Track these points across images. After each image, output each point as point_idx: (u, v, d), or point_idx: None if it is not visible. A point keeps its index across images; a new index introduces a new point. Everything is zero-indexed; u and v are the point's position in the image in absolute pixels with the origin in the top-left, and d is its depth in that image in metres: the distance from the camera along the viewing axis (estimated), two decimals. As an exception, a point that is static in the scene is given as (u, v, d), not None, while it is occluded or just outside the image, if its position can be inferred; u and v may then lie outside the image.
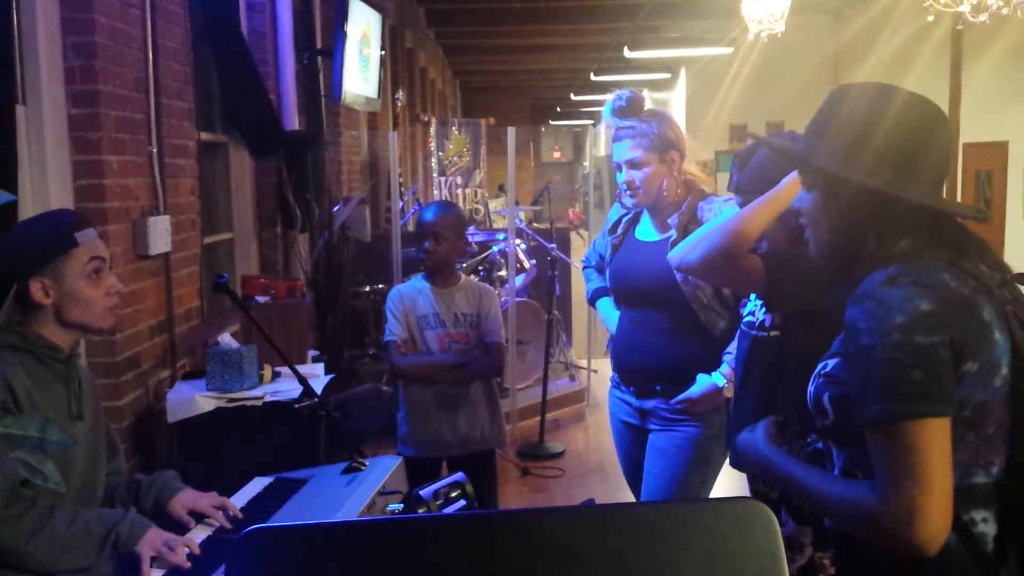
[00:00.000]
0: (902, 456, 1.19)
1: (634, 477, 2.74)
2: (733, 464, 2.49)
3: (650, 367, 2.57)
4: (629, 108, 2.51)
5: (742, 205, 2.15)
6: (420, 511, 1.44)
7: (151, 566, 1.70)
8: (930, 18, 6.20)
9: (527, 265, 6.21)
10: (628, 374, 2.65)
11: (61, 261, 1.76)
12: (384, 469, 2.11)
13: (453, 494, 1.46)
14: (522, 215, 8.34)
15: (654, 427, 2.60)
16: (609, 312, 2.77)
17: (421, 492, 1.46)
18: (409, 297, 3.01)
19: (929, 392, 1.20)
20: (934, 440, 1.19)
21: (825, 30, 12.50)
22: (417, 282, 3.06)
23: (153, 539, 1.73)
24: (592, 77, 15.63)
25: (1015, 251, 8.90)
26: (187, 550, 1.73)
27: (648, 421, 2.61)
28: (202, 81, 3.95)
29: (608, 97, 2.54)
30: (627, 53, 11.52)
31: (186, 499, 1.94)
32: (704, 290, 2.45)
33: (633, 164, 2.49)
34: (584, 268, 2.95)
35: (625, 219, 2.68)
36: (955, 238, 1.35)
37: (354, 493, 1.96)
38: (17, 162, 2.46)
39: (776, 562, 0.86)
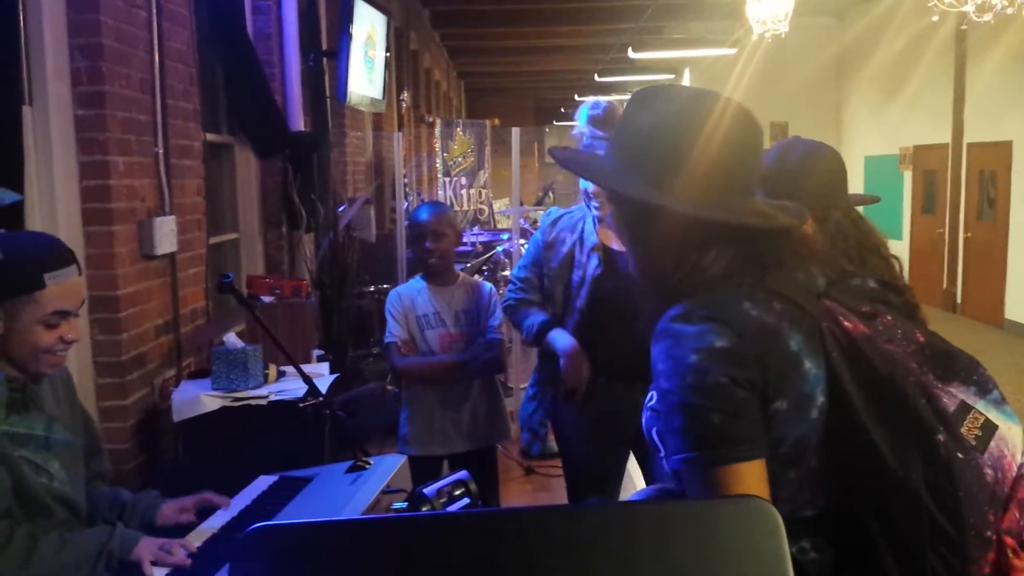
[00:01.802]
0: None
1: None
2: None
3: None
4: (605, 119, 2.43)
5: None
6: (424, 509, 1.44)
7: (152, 568, 1.68)
8: (934, 18, 6.19)
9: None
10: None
11: (21, 300, 1.62)
12: (388, 468, 2.12)
13: (457, 492, 1.46)
14: (527, 216, 8.35)
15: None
16: (566, 340, 2.54)
17: (425, 490, 1.47)
18: (408, 298, 3.01)
19: (731, 437, 1.10)
20: (744, 485, 1.09)
21: (829, 31, 12.48)
22: (416, 283, 3.05)
23: (148, 546, 1.70)
24: (596, 78, 15.63)
25: (1019, 250, 8.88)
26: (184, 551, 1.70)
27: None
28: (208, 82, 3.96)
29: (590, 99, 2.48)
30: (631, 54, 11.53)
31: (172, 504, 1.92)
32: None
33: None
34: (511, 306, 2.71)
35: (581, 226, 2.54)
36: (766, 248, 1.21)
37: (358, 492, 1.97)
38: (24, 163, 2.47)
39: (780, 561, 0.85)
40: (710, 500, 1.08)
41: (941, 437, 1.11)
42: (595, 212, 2.52)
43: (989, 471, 1.13)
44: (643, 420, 1.29)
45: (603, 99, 2.47)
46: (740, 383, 1.10)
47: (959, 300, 10.21)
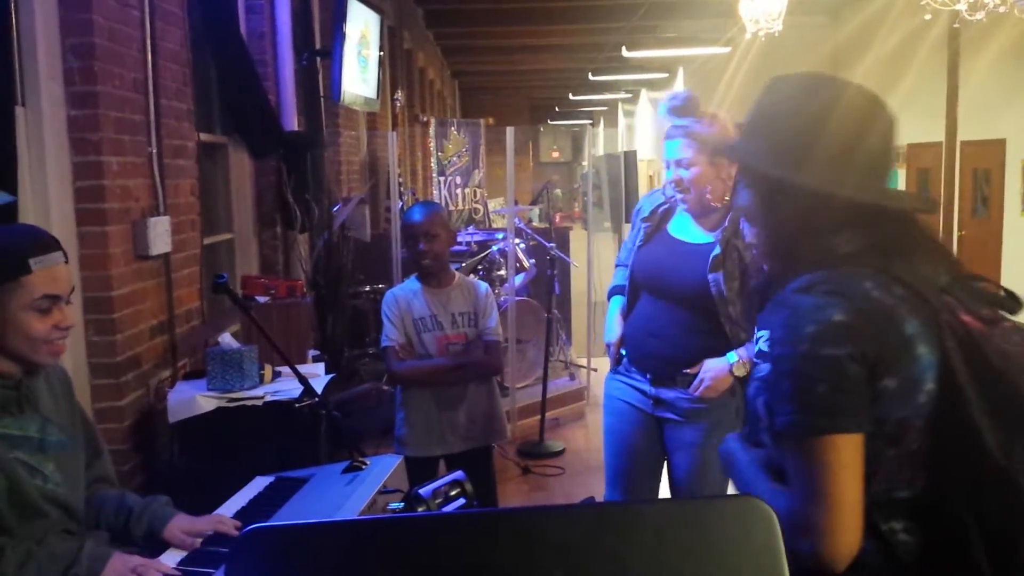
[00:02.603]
0: (808, 472, 1.15)
1: (629, 461, 2.70)
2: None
3: (670, 354, 2.55)
4: (684, 107, 2.49)
5: None
6: (420, 510, 1.44)
7: None
8: (927, 16, 6.21)
9: (527, 264, 6.21)
10: (646, 359, 2.62)
11: (8, 287, 1.61)
12: (385, 468, 2.12)
13: (453, 492, 1.46)
14: (522, 215, 8.34)
15: (671, 418, 2.58)
16: (614, 315, 2.76)
17: (420, 491, 1.47)
18: (404, 300, 2.99)
19: (834, 408, 1.14)
20: (841, 457, 1.14)
21: (822, 29, 12.51)
22: (411, 284, 3.03)
23: (117, 566, 1.62)
24: (590, 77, 15.63)
25: (1013, 248, 8.91)
26: (158, 573, 1.64)
27: (662, 410, 2.60)
28: (201, 82, 3.96)
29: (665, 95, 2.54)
30: (625, 53, 11.53)
31: (183, 524, 1.84)
32: (736, 306, 2.45)
33: (681, 164, 2.48)
34: (617, 265, 2.89)
35: (661, 209, 2.66)
36: (895, 237, 1.27)
37: (355, 492, 1.97)
38: (17, 163, 2.47)
39: (776, 559, 0.86)
40: (706, 499, 1.09)
41: None
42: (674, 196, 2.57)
43: None
44: (749, 390, 1.34)
45: (681, 91, 2.54)
46: (853, 358, 1.15)
47: (953, 297, 10.24)
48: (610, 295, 2.83)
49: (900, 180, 11.25)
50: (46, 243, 1.69)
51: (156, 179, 3.23)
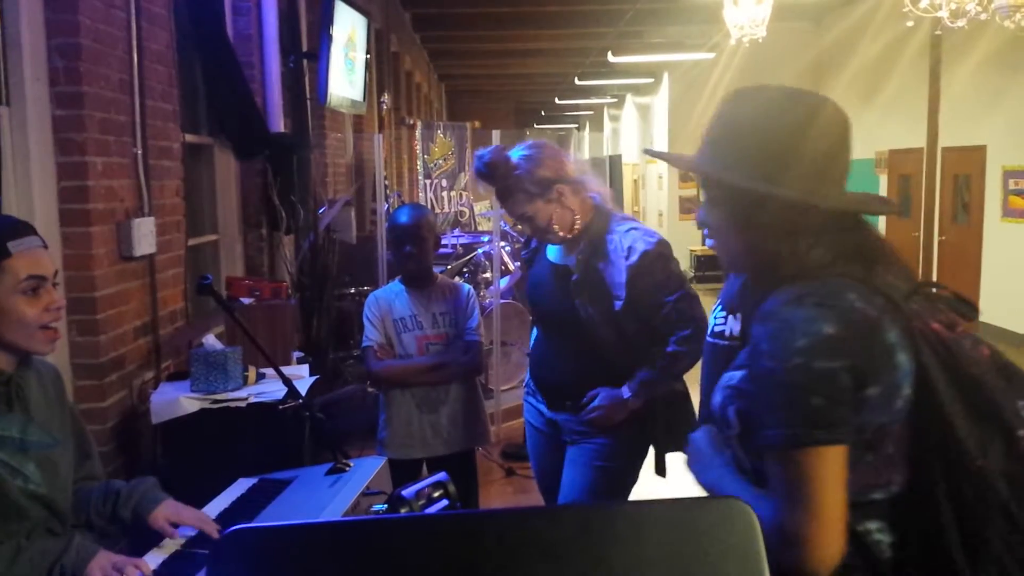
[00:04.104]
0: (796, 482, 1.17)
1: (545, 483, 2.75)
2: (658, 471, 2.56)
3: (559, 383, 2.57)
4: (489, 172, 2.45)
5: None
6: (403, 511, 1.44)
7: None
8: (910, 23, 6.27)
9: (511, 267, 6.22)
10: (541, 387, 2.66)
11: None
12: (368, 470, 2.12)
13: (436, 494, 1.46)
14: (507, 217, 8.33)
15: (568, 439, 2.60)
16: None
17: (403, 492, 1.47)
18: (385, 301, 2.99)
19: (827, 420, 1.16)
20: (829, 468, 1.16)
21: (806, 35, 12.60)
22: (394, 286, 3.04)
23: (102, 563, 1.63)
24: (576, 81, 15.69)
25: (993, 253, 9.00)
26: (139, 572, 1.64)
27: (561, 434, 2.62)
28: (187, 83, 3.95)
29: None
30: (611, 58, 11.58)
31: (168, 511, 1.85)
32: (612, 327, 2.42)
33: (522, 218, 2.47)
34: None
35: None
36: (867, 248, 1.30)
37: (338, 494, 1.97)
38: (1, 163, 2.46)
39: (757, 561, 0.86)
40: (688, 500, 1.10)
41: (1022, 433, 1.21)
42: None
43: None
44: (717, 398, 1.35)
45: (484, 152, 2.48)
46: (843, 370, 1.17)
47: (934, 303, 10.32)
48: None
49: (881, 185, 11.34)
50: (21, 228, 1.69)
51: (141, 180, 3.22)
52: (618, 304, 2.39)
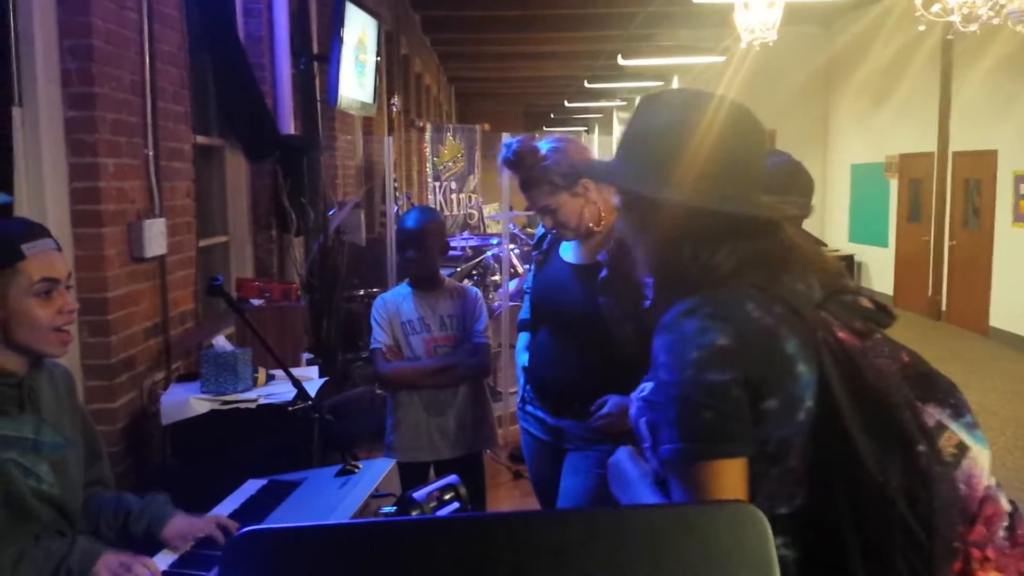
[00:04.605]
0: (694, 496, 1.16)
1: (544, 493, 2.69)
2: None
3: (569, 383, 2.49)
4: (518, 160, 2.42)
5: None
6: (413, 513, 1.44)
7: None
8: (921, 28, 6.25)
9: (520, 269, 6.22)
10: (545, 389, 2.57)
11: (5, 275, 1.62)
12: (377, 472, 2.12)
13: (446, 496, 1.46)
14: (516, 220, 8.35)
15: (570, 446, 2.52)
16: (520, 350, 2.71)
17: (414, 494, 1.47)
18: (393, 304, 3.00)
19: (720, 434, 1.15)
20: (725, 481, 1.15)
21: (817, 40, 12.57)
22: (401, 288, 3.05)
23: (109, 562, 1.63)
24: (586, 84, 15.68)
25: (1003, 258, 8.95)
26: (147, 572, 1.64)
27: (563, 441, 2.54)
28: (198, 85, 3.96)
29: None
30: (621, 61, 11.58)
31: (180, 525, 1.85)
32: (625, 327, 2.36)
33: (545, 210, 2.43)
34: (524, 292, 2.82)
35: (550, 236, 2.63)
36: (775, 255, 1.26)
37: (348, 496, 1.97)
38: (13, 164, 2.47)
39: (768, 566, 0.86)
40: (699, 504, 1.09)
41: (922, 448, 1.17)
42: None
43: (962, 486, 1.19)
44: (632, 410, 1.32)
45: (512, 140, 2.47)
46: (737, 383, 1.15)
47: (944, 308, 10.28)
48: (519, 328, 2.77)
49: (892, 190, 11.30)
50: (36, 231, 1.71)
51: (152, 181, 3.23)
52: (647, 303, 2.35)
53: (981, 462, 1.22)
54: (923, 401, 1.22)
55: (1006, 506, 1.23)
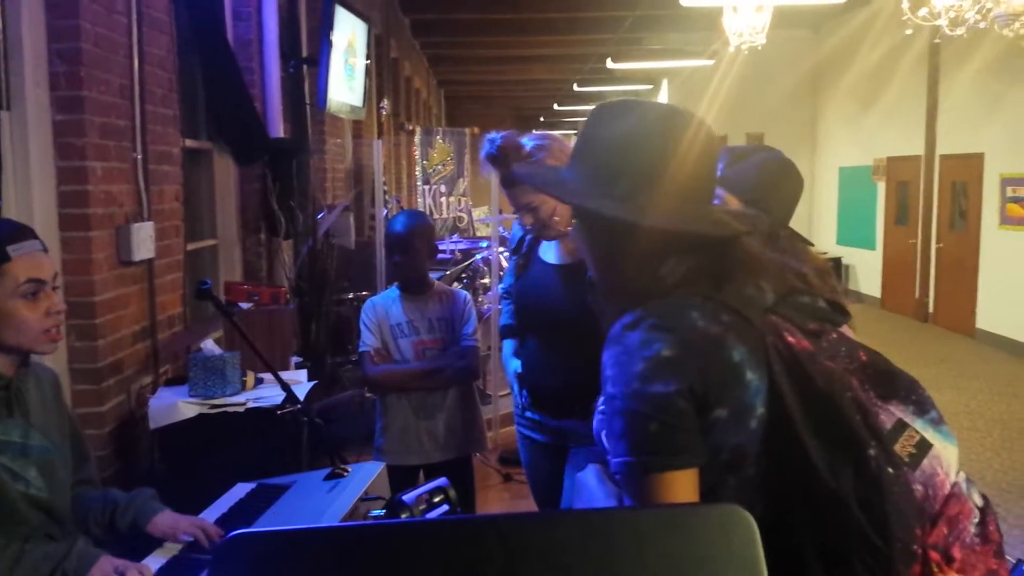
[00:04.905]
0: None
1: (544, 495, 2.67)
2: None
3: (567, 388, 2.42)
4: (501, 156, 2.38)
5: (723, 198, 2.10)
6: (403, 516, 1.44)
7: None
8: (908, 31, 6.29)
9: (510, 273, 6.21)
10: (543, 398, 2.53)
11: None
12: (366, 475, 2.12)
13: (436, 499, 1.46)
14: (505, 223, 8.33)
15: (573, 445, 2.49)
16: (509, 356, 2.67)
17: (404, 497, 1.47)
18: (382, 307, 3.01)
19: (668, 445, 1.14)
20: (676, 492, 1.14)
21: (805, 43, 12.63)
22: (391, 292, 3.06)
23: (104, 567, 1.64)
24: (575, 88, 15.72)
25: (990, 260, 9.01)
26: None
27: (567, 440, 2.51)
28: (187, 88, 3.95)
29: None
30: (610, 64, 11.61)
31: (166, 521, 1.86)
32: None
33: (527, 208, 2.39)
34: (502, 298, 2.79)
35: (528, 238, 2.59)
36: (719, 259, 1.24)
37: (337, 499, 1.97)
38: (1, 167, 2.46)
39: (755, 566, 0.87)
40: (688, 505, 1.10)
41: (872, 452, 1.15)
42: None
43: (919, 487, 1.17)
44: (594, 423, 1.32)
45: (496, 135, 2.42)
46: (682, 394, 1.14)
47: (931, 310, 10.34)
48: (503, 334, 2.73)
49: (879, 193, 11.37)
50: (21, 232, 1.71)
51: (140, 184, 3.22)
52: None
53: (946, 459, 1.20)
54: (884, 399, 1.20)
55: (977, 501, 1.22)
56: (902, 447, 1.18)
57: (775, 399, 1.17)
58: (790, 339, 1.20)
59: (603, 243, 1.29)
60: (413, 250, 2.93)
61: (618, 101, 1.31)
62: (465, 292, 3.15)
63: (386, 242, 3.04)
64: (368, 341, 2.97)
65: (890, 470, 1.15)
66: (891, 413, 1.20)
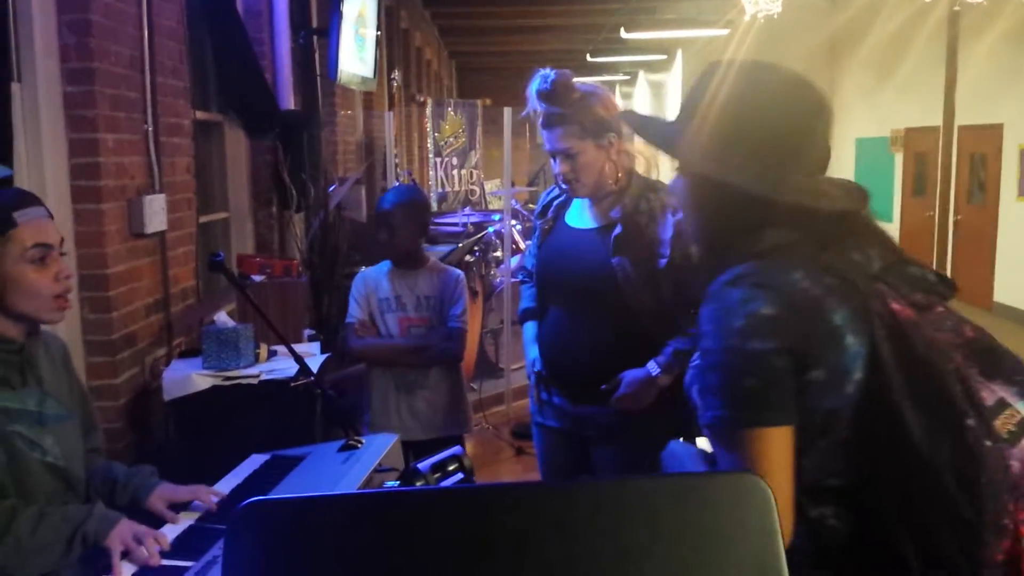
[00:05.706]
0: (735, 464, 1.15)
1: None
2: None
3: (586, 369, 2.33)
4: (554, 93, 2.25)
5: None
6: (418, 484, 1.45)
7: (122, 559, 1.62)
8: (927, 0, 6.18)
9: (523, 246, 6.21)
10: (562, 377, 2.41)
11: None
12: (380, 447, 2.12)
13: (451, 467, 1.47)
14: (518, 196, 8.33)
15: (595, 436, 2.38)
16: (530, 342, 2.52)
17: (419, 465, 1.47)
18: (372, 280, 2.99)
19: (761, 401, 1.14)
20: (768, 449, 1.14)
21: (821, 12, 12.45)
22: (383, 265, 3.04)
23: (123, 532, 1.65)
24: (588, 58, 15.56)
25: (1008, 233, 8.93)
26: (157, 546, 1.65)
27: (586, 429, 2.39)
28: (198, 60, 3.93)
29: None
30: (623, 34, 11.46)
31: (165, 493, 1.87)
32: (657, 290, 2.25)
33: (567, 154, 2.28)
34: (521, 282, 2.68)
35: (556, 203, 2.48)
36: (830, 224, 1.24)
37: (351, 470, 1.98)
38: (12, 140, 2.45)
39: (772, 537, 0.86)
40: (703, 474, 1.09)
41: (971, 423, 1.14)
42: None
43: (1016, 463, 1.15)
44: (686, 378, 1.32)
45: (551, 72, 2.28)
46: (779, 352, 1.14)
47: (948, 282, 10.26)
48: (522, 319, 2.58)
49: (897, 164, 11.25)
50: (27, 199, 1.72)
51: (152, 157, 3.21)
52: (662, 262, 2.23)
53: None
54: (988, 377, 1.19)
55: None
56: (1002, 424, 1.16)
57: (875, 365, 1.17)
58: (895, 306, 1.19)
59: (710, 206, 1.30)
60: (397, 227, 2.91)
61: (743, 62, 1.29)
62: (459, 271, 3.08)
63: (375, 218, 3.02)
64: (354, 313, 2.97)
65: (988, 443, 1.13)
66: (993, 391, 1.18)
